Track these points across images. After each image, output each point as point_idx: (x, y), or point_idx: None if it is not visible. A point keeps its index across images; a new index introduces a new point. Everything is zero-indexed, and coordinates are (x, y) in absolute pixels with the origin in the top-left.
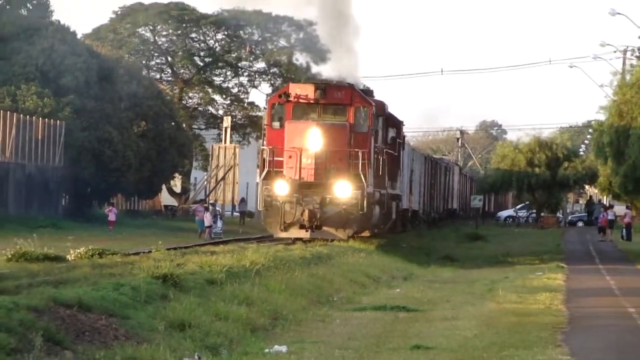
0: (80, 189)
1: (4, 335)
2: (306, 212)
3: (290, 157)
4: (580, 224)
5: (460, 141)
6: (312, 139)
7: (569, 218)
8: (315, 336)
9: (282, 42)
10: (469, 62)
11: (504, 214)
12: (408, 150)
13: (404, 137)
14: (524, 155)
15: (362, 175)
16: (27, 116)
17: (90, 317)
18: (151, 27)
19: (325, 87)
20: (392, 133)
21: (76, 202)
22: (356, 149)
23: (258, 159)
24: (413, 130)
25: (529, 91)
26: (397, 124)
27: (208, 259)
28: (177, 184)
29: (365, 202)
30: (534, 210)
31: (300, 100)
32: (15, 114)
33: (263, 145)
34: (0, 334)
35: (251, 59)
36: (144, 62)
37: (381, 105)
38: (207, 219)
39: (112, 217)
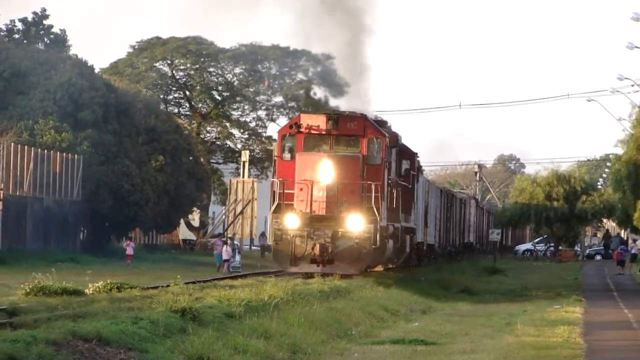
0: (98, 223)
1: None
2: (317, 246)
3: (301, 189)
4: (598, 257)
5: (478, 175)
6: (323, 171)
7: (587, 252)
8: None
9: (300, 76)
10: (487, 95)
11: (522, 247)
12: (423, 183)
13: (418, 168)
14: (542, 189)
15: (375, 209)
16: (45, 150)
17: (109, 351)
18: (169, 62)
19: (337, 117)
20: (406, 165)
21: (94, 236)
22: (369, 182)
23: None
24: (430, 164)
25: (547, 125)
26: (411, 156)
27: (226, 293)
28: (195, 218)
29: (378, 236)
30: (552, 244)
31: (312, 131)
32: (33, 148)
33: (273, 178)
34: None
35: (269, 92)
36: (161, 96)
37: (394, 137)
38: (226, 252)
39: (130, 251)
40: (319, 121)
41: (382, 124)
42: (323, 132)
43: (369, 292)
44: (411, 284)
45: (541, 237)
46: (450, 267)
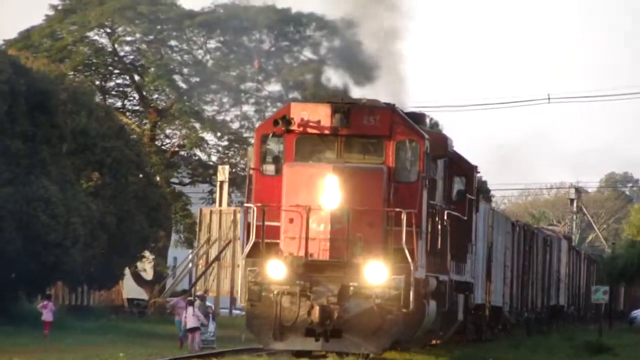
0: (0, 274)
1: None
2: (316, 309)
3: (291, 220)
4: None
5: (575, 204)
6: (327, 191)
7: None
8: None
9: (307, 53)
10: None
11: None
12: (485, 213)
13: (478, 190)
14: None
15: (407, 251)
16: None
17: None
18: (109, 30)
19: (349, 108)
20: (459, 184)
21: None
22: (398, 209)
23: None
24: (502, 186)
25: None
26: (466, 171)
27: None
28: (147, 267)
29: (412, 293)
30: None
31: (309, 130)
32: None
33: (247, 202)
34: None
35: (260, 78)
36: (97, 82)
37: (441, 141)
38: (193, 318)
39: (48, 316)
40: (319, 114)
41: (419, 119)
42: (326, 132)
43: None
44: None
45: None
46: (531, 342)
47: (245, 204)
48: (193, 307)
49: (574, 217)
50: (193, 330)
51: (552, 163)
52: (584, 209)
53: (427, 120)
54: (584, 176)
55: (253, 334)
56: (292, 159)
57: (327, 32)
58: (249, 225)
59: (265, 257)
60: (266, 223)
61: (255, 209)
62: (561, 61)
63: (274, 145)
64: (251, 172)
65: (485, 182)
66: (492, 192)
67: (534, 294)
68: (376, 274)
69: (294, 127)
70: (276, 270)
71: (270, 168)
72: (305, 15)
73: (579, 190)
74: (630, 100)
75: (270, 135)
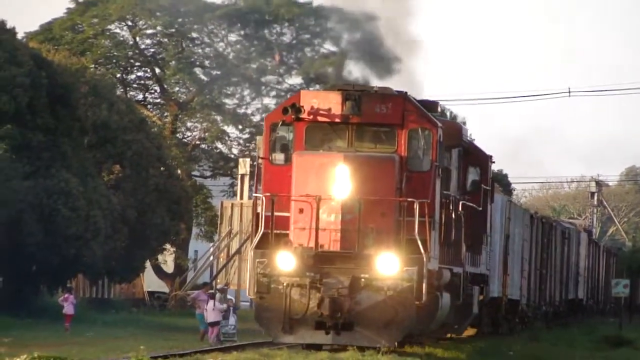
0: (21, 267)
1: None
2: (327, 301)
3: (300, 211)
4: None
5: (596, 197)
6: (338, 181)
7: None
8: None
9: (328, 46)
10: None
11: None
12: (502, 204)
13: (492, 181)
14: None
15: (419, 242)
16: None
17: None
18: (130, 23)
19: (360, 96)
20: (473, 175)
21: (15, 287)
22: (411, 199)
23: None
24: (521, 179)
25: None
26: (481, 161)
27: None
28: (168, 260)
29: (425, 285)
30: None
31: (319, 118)
32: None
33: (256, 192)
34: None
35: (281, 71)
36: (118, 75)
37: (456, 130)
38: (214, 312)
39: (69, 309)
40: (330, 102)
41: (431, 107)
42: (337, 119)
43: None
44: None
45: None
46: (550, 335)
47: (254, 194)
48: (214, 301)
49: (595, 210)
50: (214, 324)
51: (571, 156)
52: (605, 203)
53: (447, 113)
54: (605, 169)
55: (262, 327)
56: (302, 147)
57: (348, 24)
58: (257, 215)
59: (275, 249)
60: (275, 213)
61: (264, 198)
62: (582, 55)
63: (283, 134)
64: (260, 161)
65: (505, 175)
66: (512, 186)
67: (553, 287)
68: (388, 266)
69: (304, 115)
70: (285, 261)
71: (279, 157)
72: (326, 8)
73: (599, 184)
74: None
75: (280, 123)
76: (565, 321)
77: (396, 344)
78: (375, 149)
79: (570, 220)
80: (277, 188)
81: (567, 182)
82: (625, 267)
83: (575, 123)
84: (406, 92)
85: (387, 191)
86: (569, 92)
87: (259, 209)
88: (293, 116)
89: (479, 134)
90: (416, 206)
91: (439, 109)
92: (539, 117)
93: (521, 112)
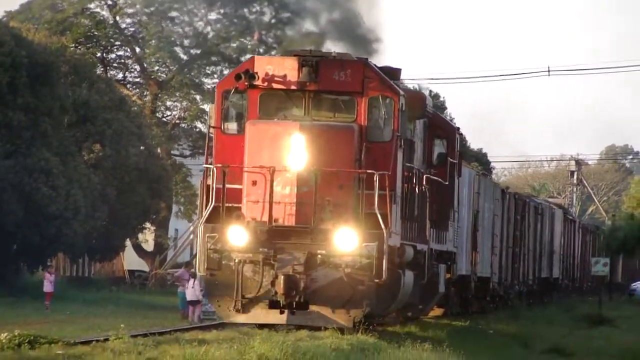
0: (1, 246)
1: None
2: (281, 279)
3: (254, 183)
4: None
5: (575, 176)
6: (293, 151)
7: None
8: None
9: (308, 25)
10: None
11: None
12: (469, 178)
13: (460, 154)
14: None
15: (379, 216)
16: None
17: None
18: (110, 2)
19: (317, 62)
20: (439, 148)
21: None
22: (371, 171)
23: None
24: (501, 158)
25: None
26: (448, 134)
27: (194, 352)
28: (148, 238)
29: (385, 262)
30: None
31: (274, 85)
32: None
33: (206, 163)
34: None
35: (260, 50)
36: (98, 54)
37: (419, 99)
38: (194, 290)
39: (49, 287)
40: (286, 68)
41: (394, 74)
42: (293, 87)
43: (411, 352)
44: (472, 340)
45: None
46: (530, 313)
47: (204, 165)
48: (194, 280)
49: (574, 189)
50: (194, 302)
51: (549, 135)
52: (584, 181)
53: (427, 92)
54: (584, 148)
55: (212, 306)
56: (256, 116)
57: (328, 3)
58: (208, 187)
59: (226, 223)
60: (227, 185)
61: (215, 170)
62: (561, 34)
63: (236, 102)
64: (211, 130)
65: (485, 154)
66: (492, 164)
67: (526, 265)
68: (346, 241)
69: (258, 82)
70: (237, 236)
71: (232, 126)
72: None
73: (579, 163)
74: (631, 72)
75: (233, 90)
76: (541, 300)
77: (353, 324)
78: (333, 118)
79: (551, 199)
80: (229, 159)
81: (546, 160)
82: (604, 245)
83: (553, 102)
84: (367, 58)
85: (345, 162)
86: (549, 71)
87: (209, 181)
88: (246, 83)
89: (458, 112)
90: (376, 178)
91: (400, 77)
92: (517, 94)
93: (500, 90)
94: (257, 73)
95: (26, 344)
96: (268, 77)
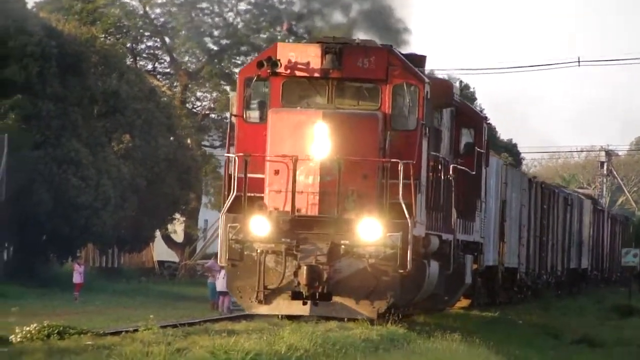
0: (31, 236)
1: None
2: (304, 269)
3: (276, 172)
4: None
5: (605, 167)
6: (316, 140)
7: None
8: None
9: (338, 16)
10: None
11: None
12: (497, 168)
13: (487, 143)
14: None
15: (404, 206)
16: None
17: None
18: None
19: (341, 49)
20: (466, 137)
21: (24, 256)
22: (395, 159)
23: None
24: (530, 149)
25: None
26: (476, 123)
27: (224, 342)
28: (177, 229)
29: (409, 253)
30: None
31: (297, 73)
32: None
33: (228, 152)
34: None
35: (290, 40)
36: (128, 45)
37: (445, 87)
38: (223, 281)
39: (78, 278)
40: (309, 55)
41: (418, 61)
42: (316, 75)
43: (441, 343)
44: (502, 330)
45: None
46: (559, 304)
47: (226, 154)
48: (224, 271)
49: (604, 180)
50: (224, 293)
51: (579, 126)
52: (614, 172)
53: (457, 84)
54: (615, 139)
55: (234, 297)
56: (279, 104)
57: None
58: (229, 177)
59: (248, 213)
60: (249, 175)
61: (236, 159)
62: (592, 25)
63: (258, 90)
64: (233, 119)
65: (515, 145)
66: (522, 155)
67: (554, 256)
68: (370, 231)
69: (280, 70)
70: (260, 226)
71: (254, 114)
72: None
73: (609, 153)
74: None
75: (255, 78)
76: (570, 291)
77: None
78: (357, 106)
79: (580, 190)
80: (251, 148)
81: (576, 151)
82: (634, 236)
83: (584, 92)
84: (391, 45)
85: (369, 151)
86: (579, 61)
87: (231, 170)
88: (269, 70)
89: (487, 102)
90: (401, 167)
91: (425, 65)
92: (547, 85)
93: (529, 81)
94: (279, 60)
95: (55, 335)
96: (291, 65)
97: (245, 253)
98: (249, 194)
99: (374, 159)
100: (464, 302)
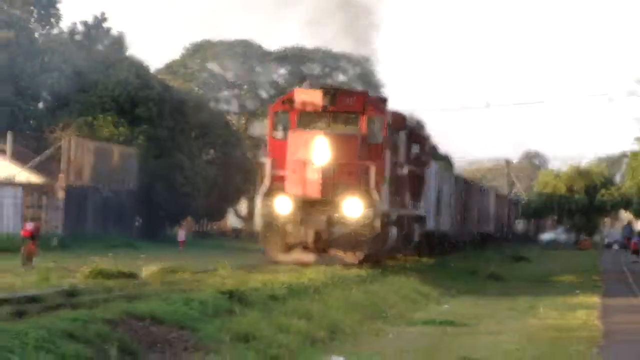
0: (153, 212)
1: (81, 346)
2: (311, 232)
3: (293, 170)
4: (615, 246)
5: (506, 170)
6: (318, 150)
7: (606, 241)
8: (370, 349)
9: (341, 77)
10: (513, 95)
11: (546, 236)
12: (435, 169)
13: (429, 153)
14: (564, 183)
15: (374, 192)
16: (104, 144)
17: (162, 329)
18: (219, 62)
19: (335, 92)
20: (415, 149)
21: (149, 224)
22: (368, 162)
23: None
24: (458, 159)
25: (568, 123)
26: (421, 140)
27: (270, 277)
28: (242, 207)
29: (378, 221)
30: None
31: (307, 108)
32: (92, 142)
33: (264, 158)
34: (77, 345)
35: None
36: (212, 94)
37: (400, 118)
38: None
39: (182, 237)
40: (314, 97)
41: (384, 101)
42: (319, 108)
43: (403, 278)
44: (441, 270)
45: (562, 228)
46: (477, 255)
47: (262, 159)
48: None
49: (506, 177)
50: None
51: (492, 145)
52: (510, 173)
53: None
54: (511, 153)
55: (265, 249)
56: (295, 127)
57: (352, 64)
58: (263, 173)
59: (275, 196)
60: (276, 172)
61: (268, 162)
62: (495, 73)
63: (282, 118)
64: (266, 137)
65: (448, 155)
66: (453, 161)
67: (471, 224)
68: (353, 208)
69: (296, 106)
70: (283, 205)
71: (279, 134)
72: (339, 54)
73: (508, 162)
74: (536, 106)
75: (280, 112)
76: (482, 247)
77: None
78: (345, 128)
79: (486, 184)
80: (277, 155)
81: (487, 159)
82: (521, 211)
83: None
84: (367, 91)
85: (352, 157)
86: (488, 105)
87: (265, 169)
88: (289, 106)
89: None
90: (372, 167)
91: (387, 104)
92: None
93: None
94: (295, 100)
95: (170, 272)
96: (303, 102)
97: (273, 222)
98: (276, 184)
99: (355, 162)
100: (414, 255)
